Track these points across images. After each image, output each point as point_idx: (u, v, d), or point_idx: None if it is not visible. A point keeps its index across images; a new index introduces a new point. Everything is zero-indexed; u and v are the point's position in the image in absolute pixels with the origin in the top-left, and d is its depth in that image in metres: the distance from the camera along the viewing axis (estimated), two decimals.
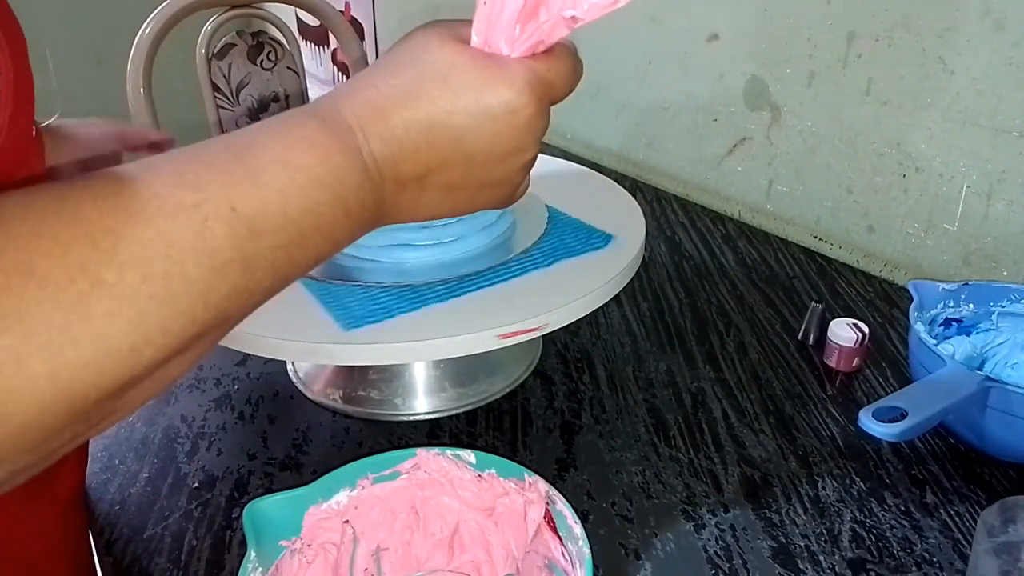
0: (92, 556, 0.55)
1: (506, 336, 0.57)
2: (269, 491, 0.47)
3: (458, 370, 0.71)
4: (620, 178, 1.23)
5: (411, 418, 0.69)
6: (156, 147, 0.65)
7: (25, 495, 0.40)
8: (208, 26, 1.33)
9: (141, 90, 1.18)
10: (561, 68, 0.36)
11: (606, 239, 0.69)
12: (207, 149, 0.28)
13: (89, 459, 0.64)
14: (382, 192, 0.32)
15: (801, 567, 0.54)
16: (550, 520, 0.46)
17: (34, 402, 0.23)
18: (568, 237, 0.70)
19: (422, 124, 0.32)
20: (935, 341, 0.65)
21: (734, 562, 0.54)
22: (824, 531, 0.57)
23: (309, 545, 0.46)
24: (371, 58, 1.91)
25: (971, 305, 0.70)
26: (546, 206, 0.76)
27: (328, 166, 0.30)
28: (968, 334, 0.71)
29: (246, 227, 0.27)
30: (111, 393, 0.25)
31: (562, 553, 0.45)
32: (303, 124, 0.30)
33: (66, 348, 0.23)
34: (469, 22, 0.35)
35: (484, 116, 0.33)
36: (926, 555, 0.55)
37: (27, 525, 0.43)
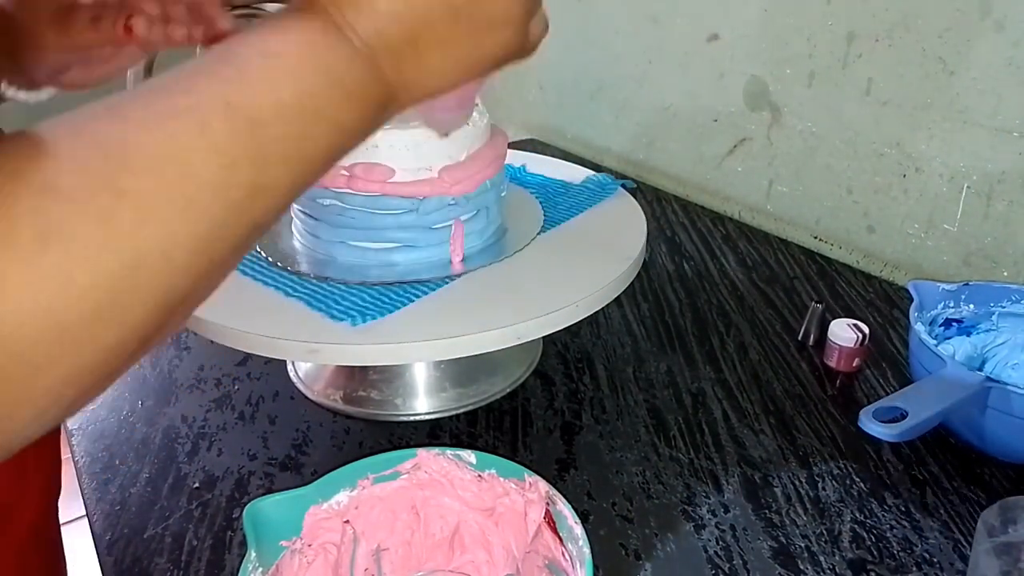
0: None
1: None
2: (269, 491, 0.47)
3: (458, 370, 0.71)
4: (620, 178, 1.23)
5: (411, 418, 0.69)
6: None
7: None
8: None
9: None
10: None
11: (615, 186, 0.77)
12: (194, 61, 0.29)
13: (89, 459, 0.65)
14: (379, 67, 0.31)
15: (801, 567, 0.54)
16: (550, 520, 0.46)
17: (85, 315, 0.23)
18: (574, 196, 0.78)
19: (430, 19, 0.32)
20: (935, 341, 0.65)
21: (734, 562, 0.54)
22: (824, 531, 0.57)
23: (309, 545, 0.46)
24: None
25: (971, 305, 0.70)
26: (541, 205, 0.76)
27: (310, 47, 0.30)
28: (968, 334, 0.71)
29: (244, 120, 0.27)
30: (159, 304, 0.26)
31: (562, 553, 0.45)
32: (276, 18, 0.31)
33: (103, 259, 0.24)
34: None
35: None
36: (926, 555, 0.55)
37: None
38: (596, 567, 0.42)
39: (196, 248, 0.26)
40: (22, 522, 0.46)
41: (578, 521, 0.44)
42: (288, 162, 0.29)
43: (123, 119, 0.26)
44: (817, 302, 0.82)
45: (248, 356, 0.77)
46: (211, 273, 0.28)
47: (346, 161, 0.60)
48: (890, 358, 0.77)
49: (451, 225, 0.65)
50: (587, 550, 0.42)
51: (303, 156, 0.30)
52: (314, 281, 0.63)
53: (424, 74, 0.33)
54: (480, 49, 0.34)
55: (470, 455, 0.48)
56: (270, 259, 0.66)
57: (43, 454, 0.53)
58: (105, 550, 0.56)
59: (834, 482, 0.61)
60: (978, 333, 0.71)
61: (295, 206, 0.68)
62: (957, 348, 0.70)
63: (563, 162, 0.88)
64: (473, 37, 0.33)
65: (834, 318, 0.76)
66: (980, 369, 0.70)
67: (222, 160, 0.27)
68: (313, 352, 0.57)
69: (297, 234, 0.70)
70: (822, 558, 0.54)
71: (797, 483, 0.61)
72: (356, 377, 0.72)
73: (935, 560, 0.54)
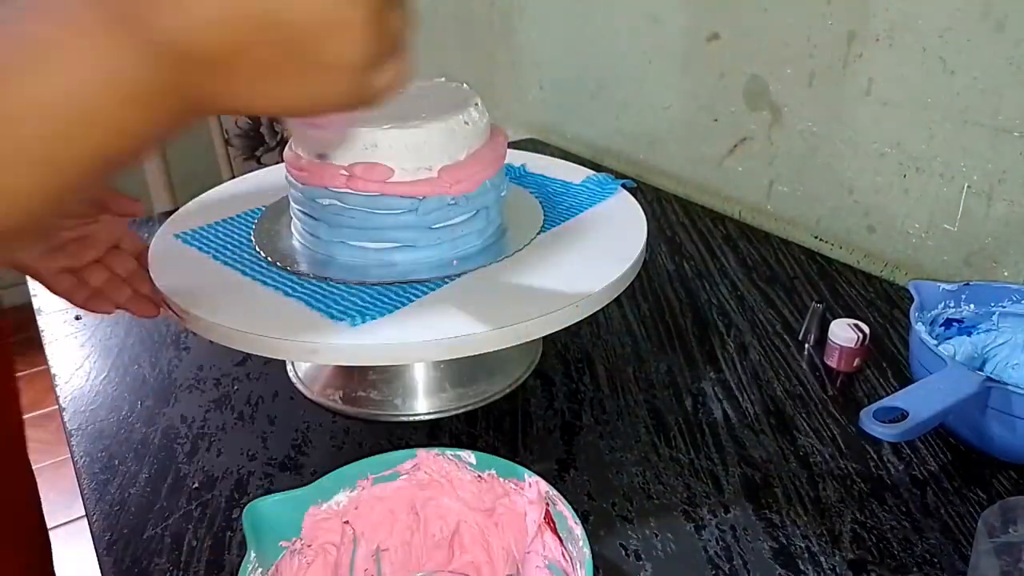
0: None
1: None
2: (269, 491, 0.47)
3: (458, 370, 0.71)
4: (620, 178, 1.23)
5: (411, 419, 0.69)
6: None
7: None
8: None
9: None
10: None
11: (615, 186, 0.77)
12: None
13: (88, 459, 0.65)
14: (176, 73, 0.28)
15: (802, 568, 0.54)
16: (550, 521, 0.46)
17: None
18: (574, 196, 0.77)
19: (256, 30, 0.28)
20: (936, 341, 0.65)
21: (734, 563, 0.54)
22: (825, 532, 0.57)
23: (309, 546, 0.46)
24: None
25: (972, 305, 0.70)
26: (541, 205, 0.76)
27: (89, 39, 0.26)
28: (969, 334, 0.71)
29: None
30: None
31: (562, 554, 0.45)
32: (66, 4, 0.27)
33: None
34: None
35: None
36: (927, 555, 0.55)
37: None
38: (596, 567, 0.42)
39: None
40: (27, 539, 0.46)
41: (578, 521, 0.44)
42: (49, 163, 0.26)
43: None
44: (817, 302, 0.82)
45: (247, 356, 0.76)
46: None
47: (345, 161, 0.61)
48: (890, 358, 0.77)
49: (451, 225, 0.65)
50: (587, 550, 0.42)
51: (73, 156, 0.27)
52: (314, 281, 0.63)
53: (234, 94, 0.30)
54: (305, 88, 0.30)
55: (470, 455, 0.48)
56: (269, 259, 0.66)
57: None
58: (104, 550, 0.56)
59: (834, 482, 0.61)
60: (978, 333, 0.71)
61: (295, 206, 0.68)
62: (957, 348, 0.70)
63: (563, 162, 0.88)
64: (298, 75, 0.30)
65: (834, 318, 0.76)
66: (980, 369, 0.70)
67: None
68: (312, 352, 0.57)
69: (296, 234, 0.70)
70: (822, 558, 0.54)
71: (797, 483, 0.61)
72: (356, 377, 0.72)
73: (935, 560, 0.54)
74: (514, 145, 0.77)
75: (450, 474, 0.49)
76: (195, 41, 0.27)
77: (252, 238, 0.70)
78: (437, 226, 0.65)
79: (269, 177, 0.83)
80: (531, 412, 0.69)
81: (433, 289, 0.62)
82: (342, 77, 0.30)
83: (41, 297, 0.88)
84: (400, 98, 0.34)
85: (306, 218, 0.67)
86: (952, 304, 0.70)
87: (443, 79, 0.72)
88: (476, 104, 0.66)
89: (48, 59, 0.26)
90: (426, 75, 0.67)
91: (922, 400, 0.57)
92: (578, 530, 0.43)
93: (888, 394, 0.66)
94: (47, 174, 0.27)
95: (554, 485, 0.46)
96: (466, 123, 0.64)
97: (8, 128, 0.25)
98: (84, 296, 0.62)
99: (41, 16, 0.26)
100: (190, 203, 0.79)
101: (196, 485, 0.62)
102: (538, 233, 0.71)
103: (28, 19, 0.26)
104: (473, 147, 0.65)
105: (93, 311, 0.63)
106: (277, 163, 0.78)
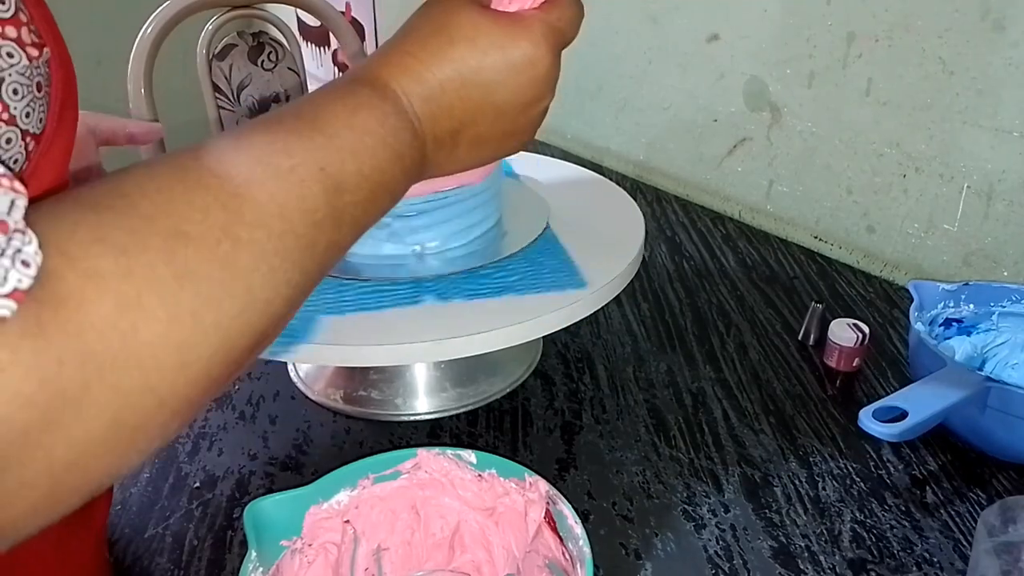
0: None
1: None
2: (270, 491, 0.47)
3: (459, 370, 0.71)
4: (620, 178, 1.24)
5: (412, 418, 0.69)
6: (135, 139, 0.64)
7: (66, 526, 0.40)
8: (209, 27, 1.33)
9: (142, 91, 1.18)
10: (569, 13, 0.39)
11: (579, 284, 0.62)
12: (281, 120, 0.31)
13: None
14: (425, 148, 0.36)
15: (801, 567, 0.54)
16: (550, 520, 0.46)
17: (206, 351, 0.25)
18: (544, 269, 0.65)
19: (456, 83, 0.36)
20: (935, 341, 0.65)
21: (734, 562, 0.54)
22: (824, 531, 0.57)
23: (310, 545, 0.46)
24: None
25: (971, 305, 0.70)
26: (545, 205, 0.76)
27: (387, 128, 0.33)
28: (968, 334, 0.71)
29: (334, 185, 0.30)
30: (254, 345, 0.28)
31: (562, 553, 0.45)
32: (356, 92, 0.34)
33: (225, 301, 0.26)
34: None
35: (509, 70, 0.37)
36: (926, 555, 0.55)
37: (68, 561, 0.43)
38: (596, 567, 0.42)
39: (290, 296, 0.29)
40: (99, 518, 0.47)
41: (578, 521, 0.44)
42: (355, 223, 0.32)
43: (236, 176, 0.28)
44: (817, 302, 0.82)
45: None
46: (286, 319, 0.30)
47: None
48: (890, 358, 0.77)
49: (450, 223, 0.65)
50: (587, 550, 0.42)
51: (366, 218, 0.33)
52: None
53: (449, 161, 0.38)
54: (499, 150, 0.40)
55: (470, 455, 0.48)
56: None
57: None
58: (105, 550, 0.56)
59: (834, 482, 0.61)
60: (978, 333, 0.71)
61: None
62: (957, 348, 0.70)
63: (563, 162, 0.88)
64: (501, 138, 0.39)
65: (834, 318, 0.76)
66: (980, 369, 0.70)
67: (314, 219, 0.29)
68: (313, 352, 0.57)
69: None
70: (822, 558, 0.54)
71: (797, 483, 0.61)
72: (356, 377, 0.72)
73: (935, 560, 0.54)
74: None
75: (451, 473, 0.49)
76: (439, 121, 0.36)
77: None
78: (436, 225, 0.65)
79: None
80: (531, 412, 0.69)
81: (433, 289, 0.62)
82: (528, 135, 0.40)
83: None
84: None
85: None
86: (952, 304, 0.70)
87: None
88: None
89: (366, 143, 0.32)
90: None
91: (922, 400, 0.57)
92: (578, 529, 0.43)
93: (888, 394, 0.66)
94: (353, 233, 0.33)
95: (554, 484, 0.46)
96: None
97: (340, 195, 0.31)
98: None
99: (355, 107, 0.33)
100: None
101: (197, 484, 0.62)
102: (539, 234, 0.71)
103: (349, 109, 0.33)
104: None
105: None
106: None
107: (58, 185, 0.30)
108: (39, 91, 0.28)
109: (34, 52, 0.27)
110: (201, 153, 0.28)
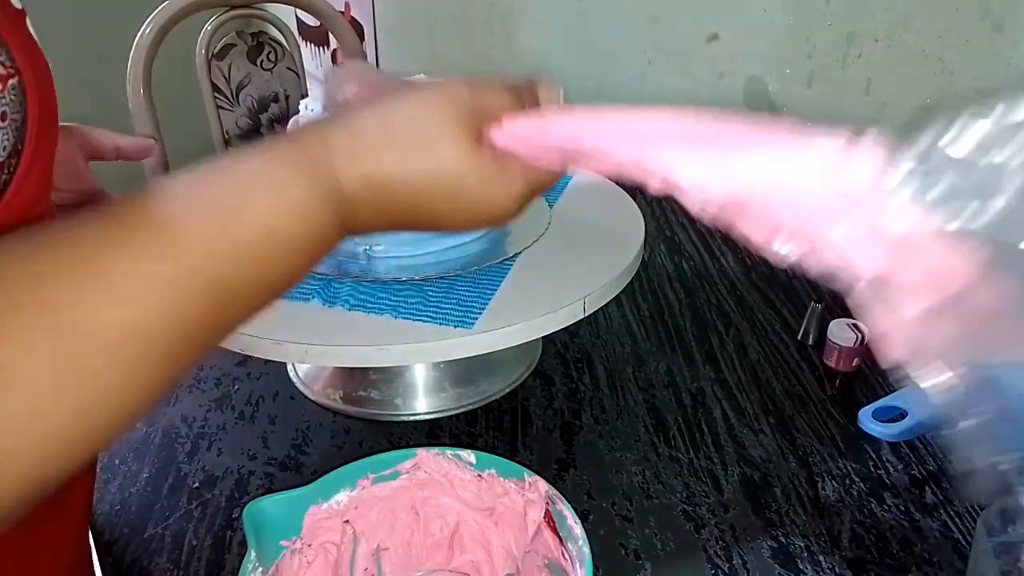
0: None
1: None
2: (269, 491, 0.47)
3: (458, 370, 0.71)
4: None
5: (411, 418, 0.69)
6: (124, 154, 0.62)
7: (40, 517, 0.39)
8: (208, 27, 1.34)
9: (141, 91, 1.19)
10: (556, 176, 0.37)
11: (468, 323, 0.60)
12: (188, 204, 0.28)
13: None
14: (355, 221, 0.33)
15: (801, 567, 0.54)
16: (550, 520, 0.46)
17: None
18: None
19: (411, 211, 0.33)
20: None
21: (734, 562, 0.54)
22: (824, 531, 0.57)
23: (309, 545, 0.46)
24: (370, 59, 1.91)
25: None
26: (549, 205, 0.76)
27: (309, 228, 0.30)
28: None
29: (221, 297, 0.28)
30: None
31: (562, 553, 0.45)
32: (293, 183, 0.30)
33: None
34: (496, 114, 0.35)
35: (472, 215, 0.34)
36: (926, 555, 0.55)
37: (41, 554, 0.43)
38: (596, 567, 0.42)
39: (151, 397, 0.27)
40: (75, 509, 0.47)
41: (578, 521, 0.44)
42: (242, 319, 0.30)
43: (93, 290, 0.25)
44: (817, 302, 0.82)
45: (248, 356, 0.76)
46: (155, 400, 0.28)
47: None
48: None
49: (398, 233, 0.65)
50: (587, 550, 0.42)
51: (258, 307, 0.30)
52: (312, 281, 0.63)
53: (387, 226, 0.34)
54: (469, 225, 0.35)
55: (470, 455, 0.48)
56: None
57: None
58: (105, 550, 0.56)
59: (834, 482, 0.61)
60: None
61: None
62: None
63: None
64: (466, 222, 0.35)
65: (834, 318, 0.76)
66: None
67: (186, 331, 0.27)
68: (312, 353, 0.57)
69: None
70: (822, 558, 0.54)
71: (797, 483, 0.61)
72: (356, 377, 0.72)
73: (935, 560, 0.54)
74: None
75: (450, 473, 0.49)
76: (376, 220, 0.33)
77: None
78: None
79: None
80: (531, 412, 0.69)
81: (433, 289, 0.62)
82: (503, 220, 0.35)
83: None
84: None
85: None
86: None
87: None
88: None
89: (275, 253, 0.29)
90: (426, 76, 0.67)
91: (921, 400, 0.57)
92: (578, 529, 0.43)
93: (887, 394, 0.66)
94: (241, 320, 0.30)
95: (554, 484, 0.46)
96: None
97: (227, 308, 0.28)
98: None
99: (278, 207, 0.29)
100: None
101: (196, 484, 0.62)
102: (541, 235, 0.71)
103: (272, 205, 0.29)
104: None
105: None
106: None
107: (39, 208, 0.30)
108: (2, 120, 0.27)
109: None
110: (70, 251, 0.26)
